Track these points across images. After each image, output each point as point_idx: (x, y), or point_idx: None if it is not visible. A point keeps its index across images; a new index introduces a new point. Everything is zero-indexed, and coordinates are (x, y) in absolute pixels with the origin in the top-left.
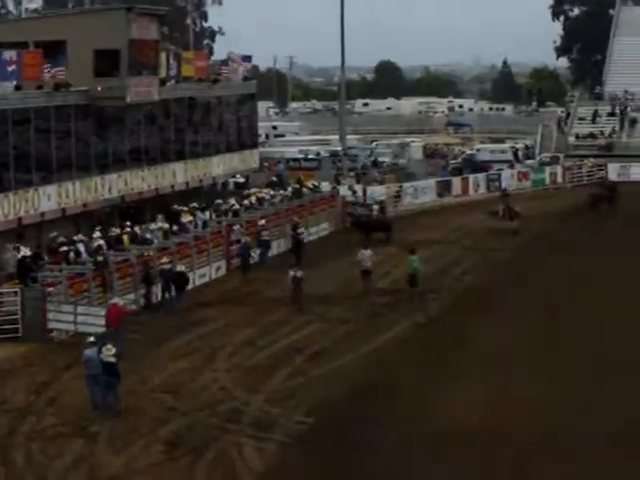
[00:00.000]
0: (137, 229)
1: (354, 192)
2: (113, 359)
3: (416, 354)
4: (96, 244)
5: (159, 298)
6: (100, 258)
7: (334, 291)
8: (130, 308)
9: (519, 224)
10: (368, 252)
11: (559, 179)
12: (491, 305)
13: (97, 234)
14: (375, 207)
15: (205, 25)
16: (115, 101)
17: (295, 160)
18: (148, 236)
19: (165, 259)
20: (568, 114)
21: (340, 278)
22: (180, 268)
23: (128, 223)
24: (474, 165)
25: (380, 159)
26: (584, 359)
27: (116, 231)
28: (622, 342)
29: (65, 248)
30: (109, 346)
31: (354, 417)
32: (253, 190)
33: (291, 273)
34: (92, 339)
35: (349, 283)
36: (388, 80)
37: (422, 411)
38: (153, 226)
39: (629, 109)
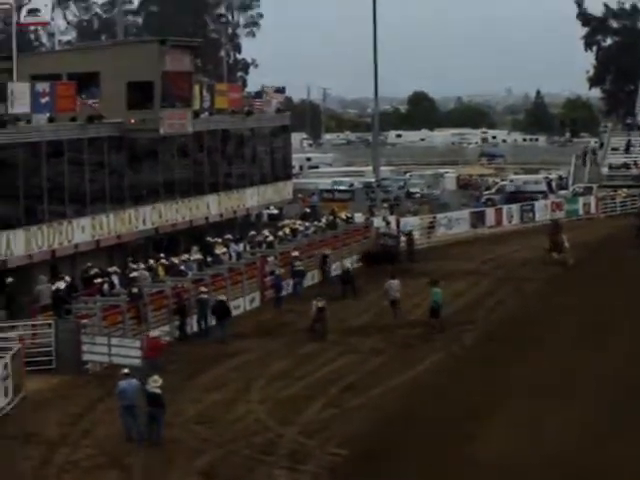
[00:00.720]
0: (173, 260)
1: (388, 223)
2: (159, 390)
3: (450, 385)
4: (133, 275)
5: (195, 329)
6: (135, 290)
7: (368, 322)
8: (166, 340)
9: (566, 256)
10: (396, 282)
11: (592, 209)
12: (525, 336)
13: (135, 265)
14: (402, 238)
15: (239, 57)
16: (148, 133)
17: (329, 191)
18: (182, 268)
19: (203, 289)
20: (602, 144)
21: (373, 309)
22: (220, 297)
23: (162, 255)
24: (515, 196)
25: (413, 190)
26: (618, 389)
27: (150, 262)
28: None
29: (99, 280)
30: (155, 377)
31: (388, 449)
32: (287, 222)
33: (314, 303)
34: (126, 370)
35: (382, 314)
36: (421, 111)
37: (456, 443)
38: (187, 257)
39: None
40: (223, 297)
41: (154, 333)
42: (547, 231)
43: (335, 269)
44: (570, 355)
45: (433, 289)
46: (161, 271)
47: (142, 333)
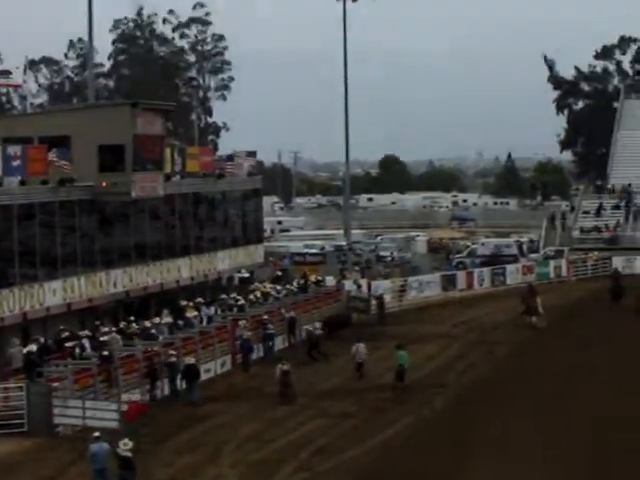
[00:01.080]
0: (146, 323)
1: (359, 286)
2: (129, 453)
3: (422, 448)
4: (103, 338)
5: (166, 392)
6: (105, 353)
7: (338, 386)
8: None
9: (539, 319)
10: (362, 345)
11: (564, 272)
12: (495, 399)
13: (106, 329)
14: (373, 302)
15: (210, 120)
16: (120, 196)
17: (300, 254)
18: (153, 331)
19: (172, 352)
20: (573, 208)
21: (343, 373)
22: (189, 360)
23: (132, 318)
24: (489, 259)
25: (384, 253)
26: (586, 451)
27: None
28: (622, 433)
29: (70, 343)
30: (126, 440)
31: None
32: (257, 285)
33: (279, 367)
34: (97, 434)
35: (352, 377)
36: (392, 175)
37: None
38: (158, 320)
39: (634, 202)
40: (192, 360)
41: (132, 397)
42: (522, 294)
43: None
44: (539, 418)
45: (398, 352)
46: (131, 334)
47: (115, 396)
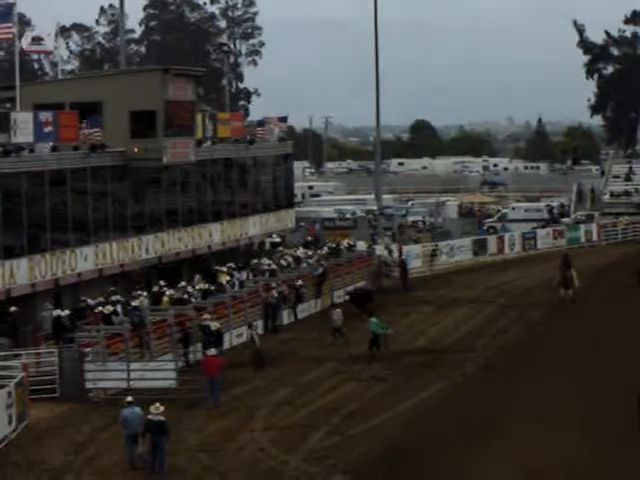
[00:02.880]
0: (181, 286)
1: (390, 251)
2: (163, 418)
3: (453, 413)
4: (134, 303)
5: (198, 357)
6: (137, 319)
7: (369, 351)
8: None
9: (575, 292)
10: (338, 311)
11: (594, 237)
12: (527, 364)
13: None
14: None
15: (241, 86)
16: (152, 162)
17: (331, 220)
18: (185, 296)
19: (206, 316)
20: (603, 172)
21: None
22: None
23: (163, 283)
24: None
25: (415, 218)
26: (620, 421)
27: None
28: None
29: (100, 308)
30: (157, 404)
31: (391, 476)
32: (288, 250)
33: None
34: (130, 399)
35: (385, 342)
36: (423, 140)
37: (459, 472)
38: (190, 289)
39: None
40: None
41: (208, 352)
42: (558, 266)
43: (339, 296)
44: (570, 384)
45: (370, 320)
46: (166, 301)
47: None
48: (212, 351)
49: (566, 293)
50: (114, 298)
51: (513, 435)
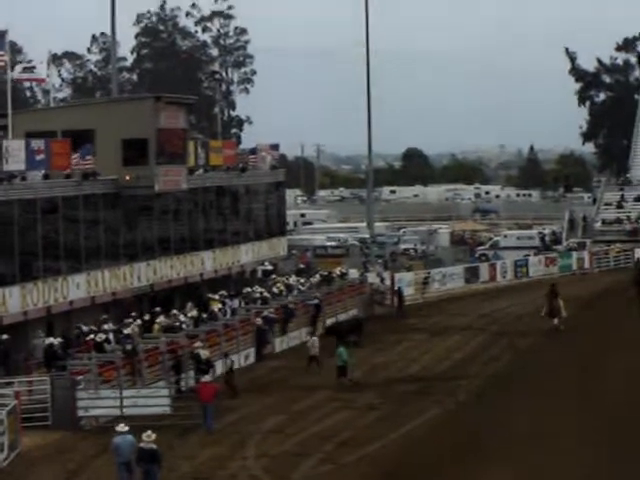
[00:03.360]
0: (173, 314)
1: (382, 279)
2: (154, 446)
3: (446, 440)
4: (126, 331)
5: (190, 384)
6: (129, 347)
7: (362, 378)
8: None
9: (560, 322)
10: (315, 339)
11: (586, 264)
12: (519, 392)
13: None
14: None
15: (233, 114)
16: (144, 190)
17: (323, 247)
18: (178, 324)
19: (198, 343)
20: (594, 200)
21: (365, 366)
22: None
23: (158, 309)
24: None
25: (407, 246)
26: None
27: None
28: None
29: (92, 336)
30: (149, 432)
31: None
32: (279, 277)
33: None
34: (121, 427)
35: (375, 369)
36: (415, 167)
37: None
38: (182, 315)
39: None
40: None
41: (203, 378)
42: (545, 295)
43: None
44: (562, 411)
45: (338, 349)
46: (157, 329)
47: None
48: (206, 377)
49: (553, 321)
50: (106, 326)
51: (507, 460)
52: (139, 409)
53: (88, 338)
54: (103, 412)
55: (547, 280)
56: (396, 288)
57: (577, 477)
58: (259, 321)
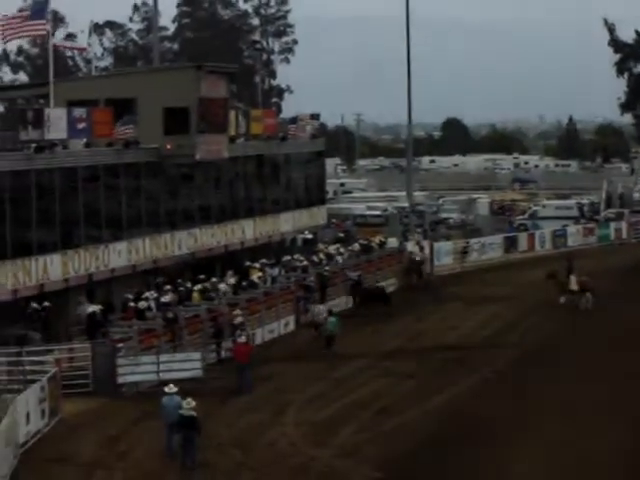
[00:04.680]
0: (213, 281)
1: (421, 248)
2: (194, 413)
3: (483, 408)
4: (166, 298)
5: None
6: (170, 314)
7: (401, 346)
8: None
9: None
10: (322, 307)
11: (624, 235)
12: (558, 361)
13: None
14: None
15: (274, 83)
16: (184, 159)
17: (362, 216)
18: (220, 290)
19: (238, 311)
20: (632, 170)
21: (405, 334)
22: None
23: (202, 276)
24: None
25: (447, 215)
26: None
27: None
28: None
29: (132, 304)
30: (189, 399)
31: (422, 471)
32: (321, 246)
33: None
34: (169, 387)
35: (414, 338)
36: (454, 137)
37: (490, 466)
38: (221, 285)
39: None
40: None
41: (238, 338)
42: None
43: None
44: (602, 381)
45: (329, 319)
46: (197, 297)
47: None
48: (242, 338)
49: (560, 298)
50: (147, 294)
51: (543, 431)
52: (174, 373)
53: (130, 305)
54: (141, 378)
55: (586, 250)
56: (416, 259)
57: (607, 452)
58: (300, 292)
